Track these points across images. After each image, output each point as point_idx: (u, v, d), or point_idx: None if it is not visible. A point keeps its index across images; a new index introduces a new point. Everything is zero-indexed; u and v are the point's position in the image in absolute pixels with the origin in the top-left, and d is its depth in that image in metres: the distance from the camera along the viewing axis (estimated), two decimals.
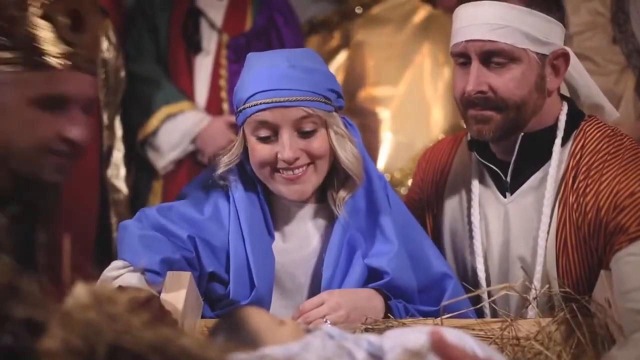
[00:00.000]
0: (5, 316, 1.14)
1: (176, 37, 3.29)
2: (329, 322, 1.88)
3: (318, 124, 1.96)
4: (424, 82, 3.70)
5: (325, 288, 1.98)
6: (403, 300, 2.00)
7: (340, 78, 3.41)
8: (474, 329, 1.90)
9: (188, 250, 1.96)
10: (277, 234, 2.06)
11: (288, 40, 3.34)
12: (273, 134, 1.95)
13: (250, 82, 1.95)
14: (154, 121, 3.23)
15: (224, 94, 3.29)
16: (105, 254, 2.93)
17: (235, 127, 3.16)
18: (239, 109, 1.98)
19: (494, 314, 2.01)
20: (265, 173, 1.99)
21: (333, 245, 2.00)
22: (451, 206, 2.22)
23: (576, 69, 2.12)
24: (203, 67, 3.31)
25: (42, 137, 1.81)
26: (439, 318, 1.91)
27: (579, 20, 3.01)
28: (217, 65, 3.30)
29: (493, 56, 1.98)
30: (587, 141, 2.04)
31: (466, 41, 1.99)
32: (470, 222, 2.14)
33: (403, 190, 3.35)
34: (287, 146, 1.93)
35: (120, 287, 1.66)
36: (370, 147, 3.35)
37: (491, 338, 1.88)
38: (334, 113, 1.99)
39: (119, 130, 3.23)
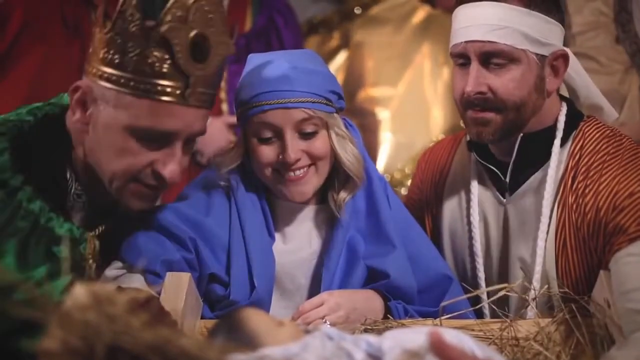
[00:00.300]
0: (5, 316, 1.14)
1: None
2: (328, 322, 1.88)
3: (319, 125, 1.96)
4: (423, 82, 3.70)
5: (325, 289, 1.98)
6: (403, 301, 2.00)
7: (339, 78, 3.40)
8: (473, 330, 1.90)
9: (188, 251, 1.96)
10: (277, 235, 2.06)
11: (288, 40, 3.34)
12: (274, 135, 1.95)
13: (252, 83, 1.95)
14: None
15: (223, 95, 3.29)
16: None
17: (234, 128, 3.16)
18: (240, 110, 1.99)
19: (494, 314, 2.01)
20: (267, 174, 1.99)
21: (333, 246, 2.01)
22: (450, 207, 2.22)
23: (575, 69, 2.12)
24: None
25: (131, 164, 1.76)
26: (438, 319, 1.90)
27: (582, 20, 3.01)
28: None
29: (492, 57, 1.98)
30: (586, 142, 2.04)
31: (465, 42, 1.99)
32: (469, 223, 2.14)
33: (403, 191, 3.35)
34: (289, 147, 1.93)
35: (120, 288, 1.66)
36: (370, 148, 3.35)
37: (490, 338, 1.88)
38: (335, 114, 1.99)
39: None
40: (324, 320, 1.89)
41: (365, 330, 1.90)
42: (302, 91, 1.93)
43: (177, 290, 1.84)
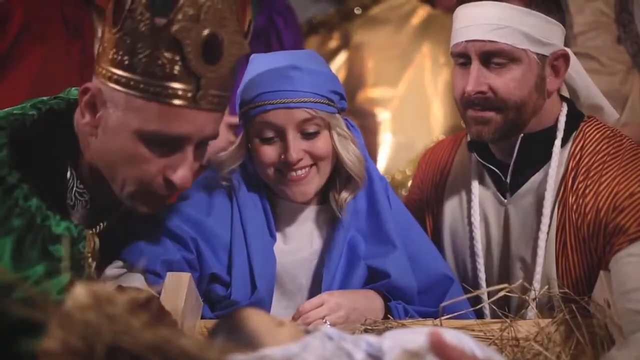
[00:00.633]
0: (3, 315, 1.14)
1: None
2: (328, 322, 1.88)
3: (321, 125, 1.96)
4: (424, 83, 3.70)
5: (326, 289, 1.98)
6: (403, 301, 2.00)
7: (339, 79, 3.40)
8: (473, 330, 1.90)
9: (189, 251, 1.96)
10: (278, 235, 2.07)
11: (288, 41, 3.34)
12: (276, 135, 1.95)
13: (254, 83, 1.96)
14: None
15: None
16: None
17: (234, 129, 3.16)
18: (242, 110, 1.99)
19: (494, 314, 2.01)
20: (269, 174, 1.99)
21: (334, 246, 2.01)
22: (451, 207, 2.22)
23: (576, 70, 2.12)
24: None
25: (143, 172, 1.73)
26: (438, 319, 1.90)
27: (583, 20, 3.01)
28: None
29: (493, 56, 1.98)
30: (586, 142, 2.04)
31: (466, 41, 1.99)
32: (470, 223, 2.14)
33: (404, 192, 3.35)
34: (291, 147, 1.93)
35: (120, 288, 1.67)
36: (370, 149, 3.35)
37: (490, 339, 1.88)
38: (337, 115, 2.00)
39: None
40: (324, 321, 1.89)
41: (366, 331, 1.90)
42: (304, 91, 1.93)
43: (177, 290, 1.84)
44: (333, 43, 3.84)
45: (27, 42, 2.70)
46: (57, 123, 1.82)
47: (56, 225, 1.73)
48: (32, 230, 1.70)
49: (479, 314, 2.04)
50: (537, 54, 1.99)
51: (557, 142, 2.05)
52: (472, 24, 1.99)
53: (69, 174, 1.80)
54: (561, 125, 2.06)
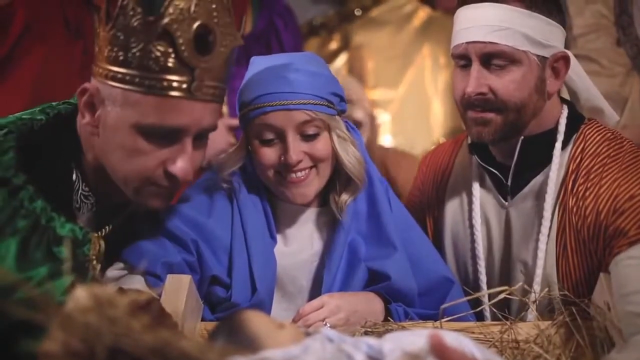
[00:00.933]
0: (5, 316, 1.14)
1: None
2: (328, 325, 1.88)
3: (321, 127, 1.96)
4: (424, 84, 3.70)
5: (326, 291, 1.98)
6: (403, 303, 2.00)
7: (339, 81, 3.40)
8: (473, 332, 1.90)
9: (189, 253, 1.96)
10: (279, 237, 2.07)
11: (288, 43, 3.34)
12: (276, 136, 1.96)
13: (254, 85, 1.96)
14: None
15: None
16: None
17: (234, 131, 3.16)
18: (242, 112, 1.99)
19: (494, 317, 2.01)
20: (269, 176, 1.99)
21: (334, 248, 2.01)
22: (452, 209, 2.22)
23: (576, 72, 2.12)
24: None
25: (146, 167, 1.74)
26: (439, 321, 1.90)
27: (583, 22, 3.01)
28: None
29: (493, 58, 1.98)
30: (587, 144, 2.04)
31: (467, 43, 1.99)
32: (471, 226, 2.14)
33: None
34: (290, 149, 1.93)
35: (121, 290, 1.67)
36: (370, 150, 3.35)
37: (491, 341, 1.88)
38: (337, 117, 2.00)
39: None
40: (324, 323, 1.89)
41: (366, 333, 1.90)
42: (304, 93, 1.93)
43: (178, 292, 1.84)
44: (333, 44, 3.84)
45: (28, 43, 2.70)
46: (63, 127, 1.83)
47: (61, 226, 1.74)
48: (36, 231, 1.71)
49: (480, 317, 2.04)
50: (538, 56, 1.99)
51: (558, 145, 2.04)
52: (472, 26, 1.99)
53: (74, 176, 1.81)
54: (562, 127, 2.06)
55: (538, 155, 2.06)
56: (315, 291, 2.02)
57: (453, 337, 1.38)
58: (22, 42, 2.70)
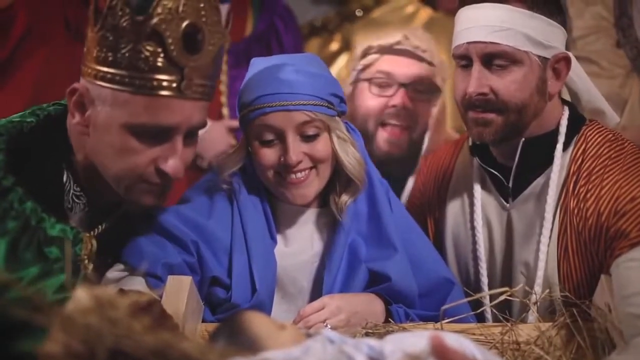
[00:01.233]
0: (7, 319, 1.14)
1: None
2: (329, 326, 1.88)
3: (321, 128, 1.96)
4: None
5: (327, 292, 1.98)
6: (404, 305, 2.00)
7: (340, 82, 3.40)
8: (474, 334, 1.90)
9: (190, 254, 1.96)
10: (279, 238, 2.07)
11: (288, 45, 3.34)
12: (276, 137, 1.96)
13: (254, 86, 1.96)
14: None
15: (223, 99, 3.29)
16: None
17: (235, 132, 3.16)
18: (242, 113, 1.99)
19: (495, 318, 2.01)
20: (269, 176, 1.99)
21: (335, 249, 2.01)
22: (453, 211, 2.22)
23: (577, 73, 2.12)
24: None
25: (137, 165, 1.76)
26: (439, 322, 1.90)
27: (582, 24, 3.01)
28: None
29: (495, 58, 1.98)
30: (588, 146, 2.04)
31: (468, 43, 1.99)
32: (473, 227, 2.14)
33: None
34: (290, 150, 1.93)
35: (122, 291, 1.67)
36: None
37: (491, 342, 1.88)
38: (337, 118, 2.00)
39: None
40: (325, 324, 1.89)
41: (366, 334, 1.90)
42: (304, 94, 1.93)
43: (179, 293, 1.84)
44: (334, 45, 3.84)
45: (29, 45, 2.70)
46: (52, 128, 1.84)
47: (51, 227, 1.75)
48: (26, 232, 1.72)
49: (481, 318, 2.04)
50: (539, 57, 1.99)
51: (559, 146, 2.04)
52: (473, 26, 1.99)
53: (65, 177, 1.82)
54: (563, 129, 2.06)
55: (539, 156, 2.06)
56: (316, 292, 2.02)
57: (454, 339, 1.38)
58: (23, 44, 2.70)
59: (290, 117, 1.93)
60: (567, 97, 2.17)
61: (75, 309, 1.11)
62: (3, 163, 1.75)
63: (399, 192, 2.49)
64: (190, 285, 1.87)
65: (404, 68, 2.58)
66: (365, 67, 2.63)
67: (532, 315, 1.97)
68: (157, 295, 1.81)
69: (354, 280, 2.00)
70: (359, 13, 3.83)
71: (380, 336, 1.79)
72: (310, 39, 3.84)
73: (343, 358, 1.35)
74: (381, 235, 2.03)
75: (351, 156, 1.99)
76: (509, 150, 2.06)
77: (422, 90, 2.60)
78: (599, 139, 2.04)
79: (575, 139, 2.06)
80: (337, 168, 2.01)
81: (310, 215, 2.07)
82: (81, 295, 1.13)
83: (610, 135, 2.05)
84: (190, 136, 1.82)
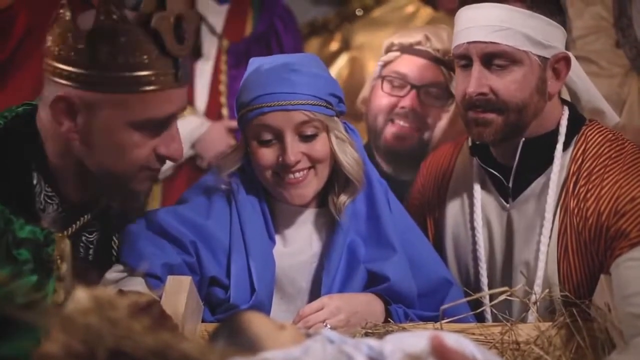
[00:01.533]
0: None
1: None
2: (329, 326, 1.88)
3: (319, 128, 1.96)
4: None
5: (326, 292, 1.98)
6: (403, 305, 2.00)
7: (340, 82, 3.40)
8: (474, 333, 1.90)
9: (189, 254, 1.96)
10: (278, 238, 2.07)
11: (288, 45, 3.34)
12: (274, 137, 1.96)
13: (253, 86, 1.96)
14: None
15: (223, 99, 3.29)
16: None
17: (234, 132, 3.16)
18: (241, 113, 1.99)
19: (495, 318, 2.01)
20: (267, 177, 1.99)
21: (334, 249, 2.01)
22: (453, 211, 2.22)
23: (577, 73, 2.12)
24: (203, 73, 3.30)
25: (140, 157, 1.77)
26: (439, 322, 1.91)
27: (582, 24, 3.01)
28: (216, 70, 3.30)
29: (494, 58, 1.98)
30: (588, 146, 2.04)
31: (468, 43, 1.99)
32: (473, 228, 2.14)
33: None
34: (288, 150, 1.93)
35: (121, 292, 1.66)
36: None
37: (491, 342, 1.88)
38: (335, 118, 2.00)
39: None
40: (324, 324, 1.89)
41: (366, 334, 1.90)
42: (302, 94, 1.94)
43: (178, 293, 1.84)
44: (334, 45, 3.84)
45: (29, 46, 2.70)
46: (21, 129, 1.83)
47: (20, 229, 1.75)
48: None
49: (480, 318, 2.04)
50: (539, 56, 1.99)
51: (559, 146, 2.04)
52: (473, 26, 1.99)
53: (35, 178, 1.81)
54: (563, 129, 2.06)
55: (539, 156, 2.06)
56: (315, 293, 2.02)
57: (454, 339, 1.38)
58: (24, 45, 2.71)
59: (289, 117, 1.93)
60: (566, 97, 2.17)
61: (75, 309, 1.11)
62: None
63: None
64: (190, 285, 1.87)
65: (419, 70, 2.55)
66: (386, 64, 2.62)
67: (532, 315, 1.97)
68: (157, 296, 1.81)
69: (353, 281, 2.00)
70: (359, 13, 3.83)
71: (380, 336, 1.79)
72: (310, 39, 3.84)
73: (343, 358, 1.35)
74: (380, 236, 2.03)
75: (349, 156, 1.99)
76: (509, 150, 2.06)
77: (435, 94, 2.56)
78: (599, 139, 2.04)
79: (575, 138, 2.06)
80: (336, 168, 2.01)
81: (309, 215, 2.07)
82: (81, 295, 1.13)
83: (611, 135, 2.05)
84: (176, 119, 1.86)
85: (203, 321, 1.95)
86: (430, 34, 2.55)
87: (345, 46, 3.80)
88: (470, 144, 2.15)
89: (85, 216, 1.87)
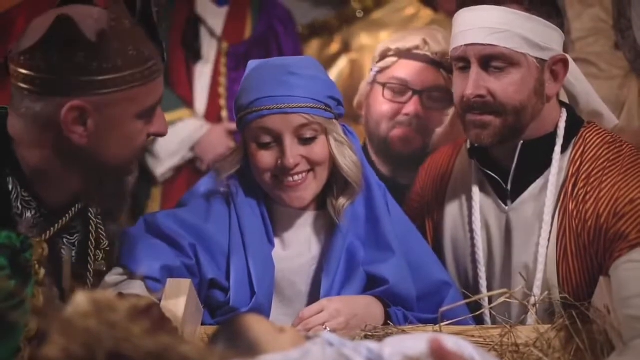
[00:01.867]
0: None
1: (176, 45, 3.29)
2: (328, 329, 1.88)
3: (318, 130, 1.97)
4: None
5: (325, 295, 1.98)
6: (402, 307, 2.01)
7: (340, 83, 3.41)
8: (473, 336, 1.90)
9: (188, 257, 1.96)
10: (276, 241, 2.07)
11: (287, 48, 3.34)
12: (273, 140, 1.96)
13: (252, 89, 1.96)
14: None
15: (223, 102, 3.30)
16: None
17: (234, 135, 3.17)
18: (239, 115, 1.99)
19: (495, 321, 2.01)
20: (266, 179, 1.99)
21: (333, 252, 2.01)
22: (452, 214, 2.22)
23: (575, 76, 2.12)
24: (202, 75, 3.31)
25: (143, 142, 1.81)
26: (438, 325, 1.91)
27: (581, 26, 3.01)
28: (216, 73, 3.30)
29: (492, 60, 1.98)
30: (586, 148, 2.04)
31: (465, 45, 2.00)
32: (471, 230, 2.14)
33: None
34: (288, 152, 1.94)
35: (121, 295, 1.67)
36: None
37: (491, 345, 1.88)
38: (334, 120, 2.00)
39: None
40: (324, 327, 1.89)
41: (366, 337, 1.90)
42: (301, 97, 1.94)
43: (178, 296, 1.84)
44: (334, 47, 3.84)
45: None
46: None
47: None
48: None
49: (480, 320, 2.04)
50: (537, 59, 1.99)
51: (557, 149, 2.05)
52: (471, 28, 1.99)
53: (10, 184, 1.80)
54: (561, 131, 2.06)
55: (538, 159, 2.06)
56: (314, 296, 2.02)
57: (453, 341, 1.38)
58: None
59: (288, 120, 1.93)
60: (565, 99, 2.17)
61: (74, 312, 1.11)
62: None
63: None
64: (190, 288, 1.87)
65: (419, 75, 2.51)
66: (382, 70, 2.57)
67: (531, 318, 1.97)
68: (156, 299, 1.81)
69: (352, 283, 2.00)
70: (359, 14, 3.84)
71: (380, 339, 1.80)
72: (311, 41, 3.85)
73: None
74: (379, 238, 2.03)
75: (348, 159, 1.99)
76: (508, 153, 2.06)
77: (437, 98, 2.53)
78: (597, 141, 2.04)
79: (573, 141, 2.06)
80: (335, 171, 2.01)
81: (308, 218, 2.07)
82: (80, 299, 1.13)
83: (609, 137, 2.05)
84: None
85: (203, 324, 1.95)
86: (427, 38, 2.52)
87: (346, 48, 3.80)
88: (468, 146, 2.16)
89: (63, 219, 1.86)
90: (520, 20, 1.96)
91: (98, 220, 1.93)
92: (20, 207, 1.80)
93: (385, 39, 2.72)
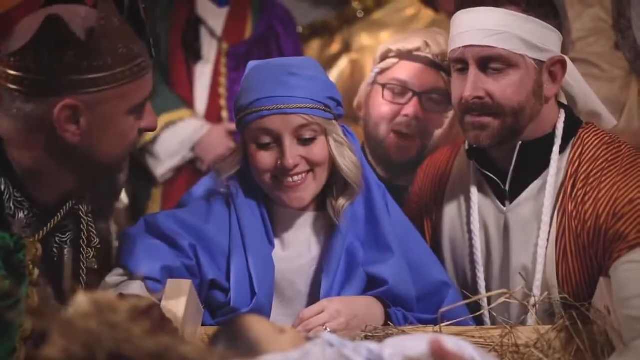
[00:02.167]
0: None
1: (176, 45, 3.29)
2: (328, 329, 1.88)
3: (318, 131, 1.97)
4: None
5: (325, 296, 1.98)
6: (402, 308, 2.01)
7: (340, 84, 3.41)
8: (473, 336, 1.91)
9: (189, 257, 1.96)
10: (276, 242, 2.07)
11: (287, 48, 3.34)
12: (273, 141, 1.96)
13: (251, 89, 1.96)
14: None
15: (223, 102, 3.29)
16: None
17: (234, 135, 3.16)
18: (239, 116, 1.99)
19: (494, 321, 2.01)
20: (265, 180, 2.00)
21: (332, 253, 2.01)
22: (450, 215, 2.22)
23: (573, 76, 2.12)
24: (203, 75, 3.31)
25: (134, 138, 1.82)
26: (439, 325, 1.91)
27: (581, 26, 3.01)
28: (216, 73, 3.30)
29: (490, 62, 1.98)
30: (585, 148, 2.04)
31: (464, 47, 2.00)
32: (470, 231, 2.14)
33: None
34: (287, 153, 1.94)
35: (121, 295, 1.67)
36: None
37: (491, 345, 1.88)
38: (334, 121, 2.00)
39: None
40: (324, 327, 1.89)
41: (366, 337, 1.90)
42: (301, 97, 1.94)
43: (178, 297, 1.84)
44: (335, 47, 3.84)
45: None
46: None
47: None
48: None
49: (480, 321, 2.04)
50: (535, 60, 1.99)
51: (556, 149, 2.05)
52: (469, 30, 1.99)
53: (2, 185, 1.80)
54: (559, 132, 2.06)
55: (536, 159, 2.06)
56: (314, 296, 2.03)
57: (453, 342, 1.38)
58: None
59: (287, 121, 1.94)
60: (563, 100, 2.17)
61: (74, 313, 1.11)
62: None
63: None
64: (190, 288, 1.87)
65: (419, 77, 2.50)
66: (383, 71, 2.56)
67: (531, 318, 1.97)
68: (157, 299, 1.82)
69: (352, 284, 2.00)
70: (360, 14, 3.84)
71: (380, 339, 1.80)
72: (311, 41, 3.85)
73: None
74: (378, 239, 2.03)
75: (348, 159, 1.99)
76: (506, 154, 2.06)
77: (437, 100, 2.52)
78: (595, 142, 2.04)
79: (572, 141, 2.06)
80: (334, 171, 2.01)
81: (308, 218, 2.07)
82: (81, 299, 1.13)
83: (607, 138, 2.05)
84: None
85: (203, 324, 1.96)
86: (429, 40, 2.51)
87: (346, 48, 3.80)
88: (467, 147, 2.16)
89: (55, 218, 1.87)
90: (518, 22, 1.96)
91: (89, 219, 1.93)
92: (12, 207, 1.80)
93: (387, 40, 2.72)
